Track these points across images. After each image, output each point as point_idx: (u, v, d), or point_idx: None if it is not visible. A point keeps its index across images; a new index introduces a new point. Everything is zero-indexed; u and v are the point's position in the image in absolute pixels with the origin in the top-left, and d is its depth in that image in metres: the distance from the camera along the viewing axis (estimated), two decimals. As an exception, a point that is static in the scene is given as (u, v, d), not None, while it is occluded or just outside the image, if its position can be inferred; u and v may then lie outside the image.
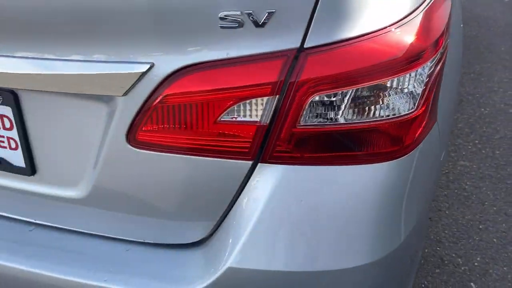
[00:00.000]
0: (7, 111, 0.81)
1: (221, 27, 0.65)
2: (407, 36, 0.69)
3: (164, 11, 0.66)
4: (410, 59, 0.69)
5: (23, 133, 0.82)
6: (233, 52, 0.67)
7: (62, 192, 0.87)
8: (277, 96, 0.68)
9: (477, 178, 2.11)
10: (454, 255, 1.75)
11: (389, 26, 0.68)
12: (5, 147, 0.86)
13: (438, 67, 0.75)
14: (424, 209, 0.89)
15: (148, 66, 0.68)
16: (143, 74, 0.69)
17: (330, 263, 0.75)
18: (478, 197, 2.01)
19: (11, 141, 0.84)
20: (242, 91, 0.68)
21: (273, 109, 0.69)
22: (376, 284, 0.81)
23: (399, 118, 0.70)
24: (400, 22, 0.69)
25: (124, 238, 0.89)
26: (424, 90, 0.72)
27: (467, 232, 1.84)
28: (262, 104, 0.69)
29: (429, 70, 0.72)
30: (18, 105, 0.80)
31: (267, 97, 0.68)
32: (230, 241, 0.77)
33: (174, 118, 0.72)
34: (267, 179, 0.74)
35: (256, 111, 0.70)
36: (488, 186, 2.07)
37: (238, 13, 0.64)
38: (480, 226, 1.87)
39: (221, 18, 0.64)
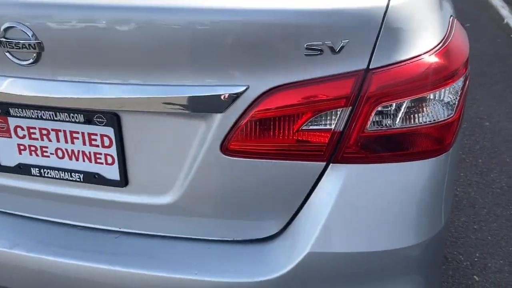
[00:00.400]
0: (109, 131, 0.95)
1: (306, 54, 0.83)
2: (446, 58, 0.88)
3: (259, 44, 0.83)
4: (449, 76, 0.88)
5: (121, 149, 0.96)
6: (314, 74, 0.85)
7: (151, 201, 1.00)
8: (350, 107, 0.86)
9: (465, 185, 2.34)
10: (455, 253, 1.95)
11: (432, 49, 0.88)
12: (101, 163, 0.99)
13: (467, 81, 0.95)
14: (453, 197, 1.07)
15: (244, 87, 0.85)
16: (240, 94, 0.85)
17: (395, 243, 0.91)
18: (469, 201, 2.23)
19: (108, 157, 0.98)
20: (321, 104, 0.86)
21: (345, 118, 0.87)
22: (427, 259, 0.98)
23: (443, 122, 0.89)
24: (439, 46, 0.89)
25: (204, 238, 1.03)
26: (459, 100, 0.91)
27: (464, 232, 2.05)
28: (336, 114, 0.86)
29: (462, 83, 0.92)
30: (119, 125, 0.94)
31: (341, 109, 0.86)
32: (307, 231, 0.93)
33: (263, 129, 0.88)
34: (338, 176, 0.91)
35: (331, 120, 0.87)
36: (476, 191, 2.30)
37: (320, 43, 0.82)
38: (475, 226, 2.08)
39: (306, 48, 0.82)
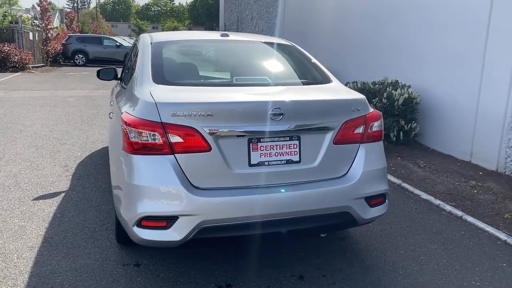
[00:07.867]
0: (296, 142, 2.79)
1: (352, 110, 2.93)
2: (378, 113, 3.12)
3: (340, 108, 2.89)
4: (379, 117, 3.11)
5: (299, 148, 2.80)
6: (354, 116, 2.94)
7: (308, 166, 2.83)
8: (364, 125, 2.97)
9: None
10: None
11: (373, 111, 3.10)
12: (292, 154, 2.79)
13: (382, 123, 3.21)
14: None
15: (338, 121, 2.87)
16: (337, 123, 2.87)
17: (381, 165, 3.03)
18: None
19: (295, 152, 2.79)
20: (358, 124, 2.95)
21: (363, 127, 2.97)
22: (386, 172, 3.10)
23: (382, 129, 3.09)
24: (374, 111, 3.12)
25: (322, 178, 2.89)
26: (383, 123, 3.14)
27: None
28: (361, 127, 2.96)
29: (381, 119, 3.15)
30: (299, 139, 2.79)
31: (362, 125, 2.97)
32: (357, 167, 2.94)
33: (344, 133, 2.90)
34: (362, 148, 2.97)
35: (360, 129, 2.96)
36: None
37: (354, 107, 2.95)
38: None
39: (352, 109, 2.93)
